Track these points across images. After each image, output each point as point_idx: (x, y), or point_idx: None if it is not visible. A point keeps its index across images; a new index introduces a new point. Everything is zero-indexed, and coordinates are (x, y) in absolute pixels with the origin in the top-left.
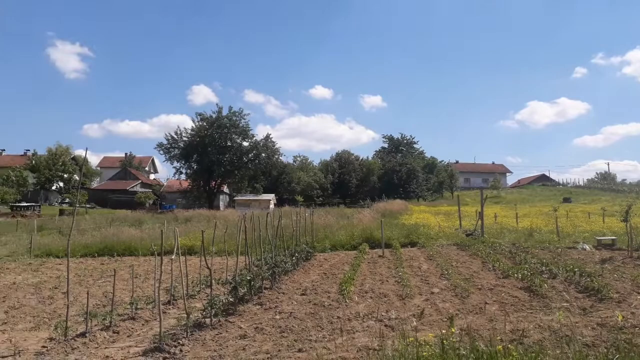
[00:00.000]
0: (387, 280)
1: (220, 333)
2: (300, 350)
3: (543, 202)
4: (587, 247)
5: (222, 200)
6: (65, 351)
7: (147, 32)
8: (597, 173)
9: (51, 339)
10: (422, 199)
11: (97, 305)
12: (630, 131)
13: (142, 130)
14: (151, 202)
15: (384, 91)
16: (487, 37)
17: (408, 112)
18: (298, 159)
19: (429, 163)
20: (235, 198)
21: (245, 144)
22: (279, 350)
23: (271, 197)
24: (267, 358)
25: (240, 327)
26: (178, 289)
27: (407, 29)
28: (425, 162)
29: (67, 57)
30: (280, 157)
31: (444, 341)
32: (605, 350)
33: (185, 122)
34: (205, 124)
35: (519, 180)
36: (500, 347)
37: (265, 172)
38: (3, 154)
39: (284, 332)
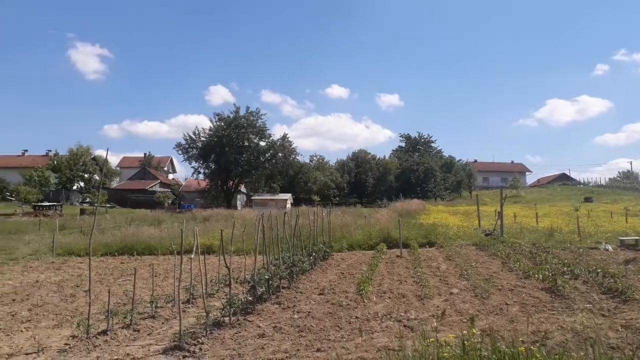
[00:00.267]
0: (405, 281)
1: (239, 332)
2: (319, 350)
3: (563, 202)
4: (610, 247)
5: (240, 199)
6: (88, 349)
7: (165, 34)
8: (619, 172)
9: (73, 337)
10: (440, 199)
11: (117, 303)
12: None
13: (161, 131)
14: (170, 201)
15: (401, 90)
16: (507, 34)
17: (426, 111)
18: (314, 158)
19: (447, 162)
20: (253, 198)
21: (262, 143)
22: (298, 350)
23: (288, 196)
24: (286, 357)
25: (259, 326)
26: (197, 288)
27: (424, 26)
28: (443, 161)
29: (87, 59)
30: (296, 157)
31: (465, 342)
32: (630, 353)
33: (203, 123)
34: (222, 124)
35: (538, 179)
36: (522, 348)
37: (282, 171)
38: (26, 154)
39: (302, 331)
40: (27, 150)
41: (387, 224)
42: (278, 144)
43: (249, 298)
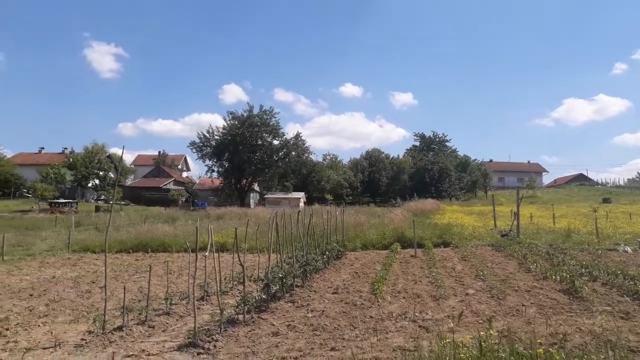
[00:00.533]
0: (420, 281)
1: (253, 330)
2: (333, 349)
3: (581, 203)
4: (629, 249)
5: (253, 198)
6: (103, 344)
7: (178, 32)
8: (638, 172)
9: (89, 332)
10: (455, 199)
11: (132, 300)
12: None
13: (175, 129)
14: (184, 199)
15: (415, 88)
16: (523, 33)
17: (440, 110)
18: (327, 157)
19: (462, 162)
20: (266, 196)
21: (276, 142)
22: (312, 349)
23: (301, 195)
24: (300, 356)
25: (273, 324)
26: (211, 285)
27: (439, 24)
28: (458, 161)
29: (103, 58)
30: (310, 156)
31: (482, 343)
32: None
33: (216, 121)
34: (236, 122)
35: (555, 179)
36: (540, 350)
37: (295, 170)
38: (42, 152)
39: (316, 330)
40: (43, 148)
41: (401, 223)
42: (291, 142)
43: (263, 296)
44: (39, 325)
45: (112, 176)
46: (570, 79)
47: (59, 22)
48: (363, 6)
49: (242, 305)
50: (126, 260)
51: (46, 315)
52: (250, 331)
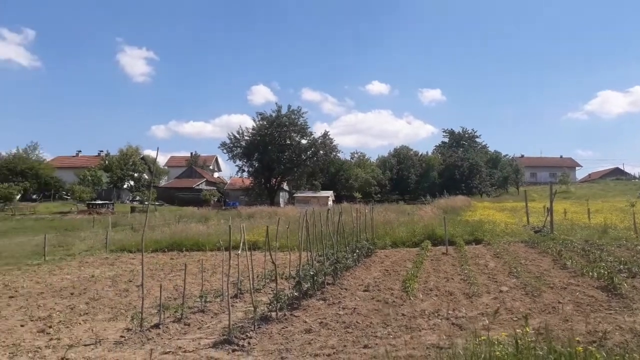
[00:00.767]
0: (452, 278)
1: (286, 327)
2: (366, 347)
3: (617, 197)
4: None
5: (282, 197)
6: (141, 341)
7: (208, 35)
8: None
9: (128, 329)
10: (486, 195)
11: (168, 298)
12: None
13: (206, 131)
14: (215, 199)
15: (443, 84)
16: (554, 24)
17: (469, 105)
18: (355, 155)
19: (493, 157)
20: (295, 195)
21: (304, 141)
22: (345, 346)
23: (329, 193)
24: (333, 353)
25: (305, 322)
26: (244, 283)
27: (466, 17)
28: (488, 157)
29: (135, 62)
30: (337, 154)
31: (518, 341)
32: None
33: (245, 122)
34: (265, 123)
35: (589, 174)
36: (580, 348)
37: (323, 169)
38: (80, 155)
39: (348, 327)
40: (80, 151)
41: (431, 220)
42: (319, 141)
43: (295, 294)
44: (80, 323)
45: (147, 177)
46: (604, 71)
47: (93, 29)
48: (389, 3)
49: (275, 302)
50: (161, 259)
51: (86, 313)
52: (283, 328)
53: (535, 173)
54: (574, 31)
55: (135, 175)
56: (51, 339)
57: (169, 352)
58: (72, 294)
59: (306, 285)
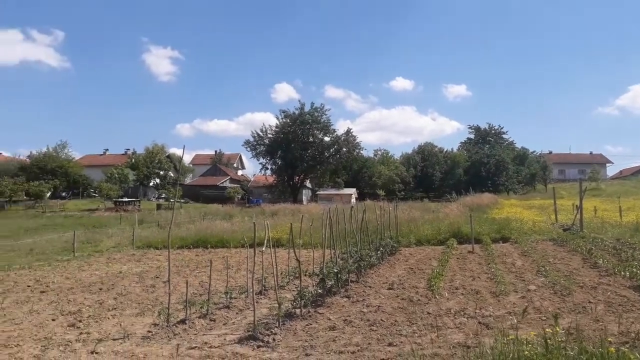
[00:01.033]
0: (478, 277)
1: (310, 324)
2: (390, 344)
3: None
4: None
5: (305, 194)
6: (168, 336)
7: (231, 34)
8: None
9: (155, 325)
10: (513, 192)
11: (194, 294)
12: None
13: (230, 129)
14: (239, 196)
15: (468, 79)
16: (583, 17)
17: (496, 101)
18: (379, 152)
19: (520, 154)
20: (318, 192)
21: (327, 139)
22: (369, 344)
23: (352, 191)
24: (358, 350)
25: (329, 319)
26: (268, 280)
27: (492, 11)
28: (515, 153)
29: (160, 61)
30: (360, 152)
31: (548, 340)
32: None
33: (269, 120)
34: (288, 120)
35: (620, 171)
36: (612, 349)
37: (346, 166)
38: (107, 153)
39: (373, 325)
40: (107, 150)
41: (457, 218)
42: (342, 139)
43: (319, 291)
44: (108, 318)
45: (172, 175)
46: (636, 65)
47: (119, 30)
48: None
49: (299, 299)
50: (187, 256)
51: (115, 308)
52: (307, 325)
53: (563, 170)
54: (605, 24)
55: (161, 173)
56: (81, 333)
57: (195, 347)
58: (100, 289)
59: (330, 283)
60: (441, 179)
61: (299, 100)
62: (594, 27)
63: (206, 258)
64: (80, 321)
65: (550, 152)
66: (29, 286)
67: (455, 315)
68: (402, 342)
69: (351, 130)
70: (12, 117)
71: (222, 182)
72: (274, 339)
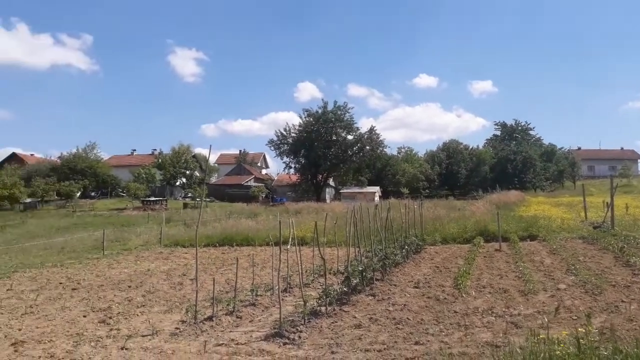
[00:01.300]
0: (506, 275)
1: (336, 322)
2: (417, 343)
3: None
4: None
5: (328, 193)
6: (196, 333)
7: (254, 35)
8: None
9: (183, 322)
10: (540, 190)
11: (220, 291)
12: None
13: (254, 128)
14: (264, 195)
15: (494, 75)
16: (612, 8)
17: (522, 97)
18: (402, 150)
19: (547, 150)
20: (341, 191)
21: (350, 137)
22: (395, 342)
23: (376, 189)
24: (384, 349)
25: (355, 317)
26: (293, 278)
27: (516, 6)
28: (543, 150)
29: (185, 62)
30: (384, 149)
31: (580, 340)
32: None
33: (292, 119)
34: (311, 119)
35: None
36: None
37: (370, 164)
38: (134, 153)
39: (398, 323)
40: (135, 150)
41: (483, 216)
42: (365, 137)
43: (344, 289)
44: (137, 315)
45: (198, 175)
46: None
47: (145, 32)
48: None
49: (324, 297)
50: (213, 254)
51: (143, 305)
52: (332, 323)
53: (593, 166)
54: (635, 17)
55: (187, 172)
56: (111, 329)
57: (222, 344)
58: (129, 286)
59: (355, 281)
60: (467, 176)
61: (322, 99)
62: (623, 21)
63: (232, 256)
64: (110, 318)
65: (579, 148)
66: (60, 283)
67: (483, 314)
68: (429, 340)
69: (374, 128)
70: (43, 119)
71: (247, 181)
72: (299, 337)
